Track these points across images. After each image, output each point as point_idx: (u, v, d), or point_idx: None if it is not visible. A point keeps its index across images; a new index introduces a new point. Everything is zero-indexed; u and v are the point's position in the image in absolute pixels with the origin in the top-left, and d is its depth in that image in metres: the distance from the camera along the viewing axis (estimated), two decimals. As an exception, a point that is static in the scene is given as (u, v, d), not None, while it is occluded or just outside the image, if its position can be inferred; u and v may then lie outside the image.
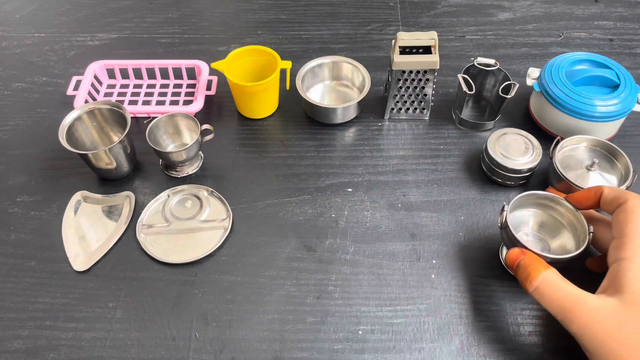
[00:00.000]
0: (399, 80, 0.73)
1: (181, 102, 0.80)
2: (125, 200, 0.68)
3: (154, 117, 0.70)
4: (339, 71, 0.80)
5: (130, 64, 0.82)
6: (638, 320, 0.45)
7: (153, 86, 0.83)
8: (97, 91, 0.81)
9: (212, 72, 0.83)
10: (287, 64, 0.74)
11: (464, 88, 0.71)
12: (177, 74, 0.83)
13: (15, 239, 0.65)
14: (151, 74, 0.83)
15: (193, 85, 0.83)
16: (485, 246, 0.64)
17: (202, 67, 0.81)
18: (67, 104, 0.79)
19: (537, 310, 0.58)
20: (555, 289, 0.49)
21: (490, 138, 0.69)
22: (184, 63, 0.82)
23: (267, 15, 0.97)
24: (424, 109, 0.77)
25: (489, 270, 0.62)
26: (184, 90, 0.82)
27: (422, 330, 0.57)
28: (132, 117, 0.71)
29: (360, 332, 0.57)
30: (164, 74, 0.83)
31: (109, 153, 0.66)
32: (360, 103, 0.74)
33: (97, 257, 0.63)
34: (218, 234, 0.65)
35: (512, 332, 0.57)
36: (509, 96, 0.71)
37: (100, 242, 0.64)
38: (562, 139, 0.66)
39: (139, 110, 0.77)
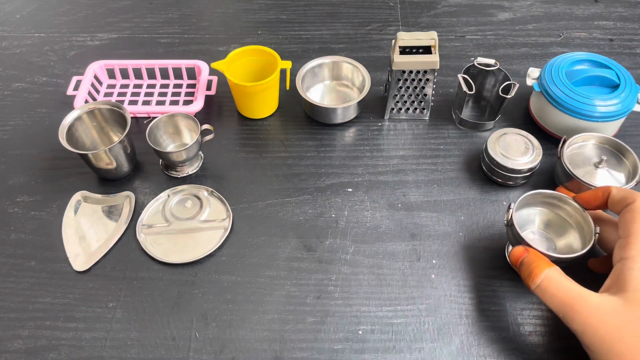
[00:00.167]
0: (399, 80, 0.73)
1: (181, 102, 0.80)
2: (125, 200, 0.68)
3: (154, 117, 0.70)
4: (339, 71, 0.80)
5: (130, 64, 0.82)
6: None
7: (153, 86, 0.83)
8: (97, 91, 0.81)
9: (212, 72, 0.83)
10: (287, 64, 0.74)
11: (464, 88, 0.71)
12: (177, 74, 0.83)
13: (15, 239, 0.65)
14: (151, 74, 0.83)
15: (193, 85, 0.83)
16: (486, 246, 0.64)
17: (202, 67, 0.81)
18: (67, 104, 0.79)
19: (537, 310, 0.58)
20: (558, 287, 0.49)
21: (490, 138, 0.69)
22: (184, 63, 0.82)
23: (267, 15, 0.97)
24: (424, 109, 0.77)
25: (489, 270, 0.62)
26: (184, 90, 0.82)
27: (422, 330, 0.57)
28: (132, 117, 0.71)
29: (360, 332, 0.57)
30: (164, 74, 0.83)
31: (109, 153, 0.66)
32: (360, 103, 0.74)
33: (97, 257, 0.63)
34: (218, 234, 0.65)
35: (513, 332, 0.57)
36: (509, 96, 0.71)
37: (100, 242, 0.64)
38: (567, 139, 0.66)
39: (139, 110, 0.77)
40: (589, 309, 0.47)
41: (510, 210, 0.56)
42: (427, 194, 0.69)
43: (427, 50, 0.72)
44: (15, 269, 0.63)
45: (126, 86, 0.83)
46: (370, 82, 0.75)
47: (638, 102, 0.69)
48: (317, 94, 0.80)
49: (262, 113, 0.78)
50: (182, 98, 0.81)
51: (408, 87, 0.74)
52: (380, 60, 0.86)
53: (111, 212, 0.68)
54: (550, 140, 0.73)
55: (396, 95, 0.75)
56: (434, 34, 0.71)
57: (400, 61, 0.70)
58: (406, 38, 0.71)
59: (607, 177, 0.64)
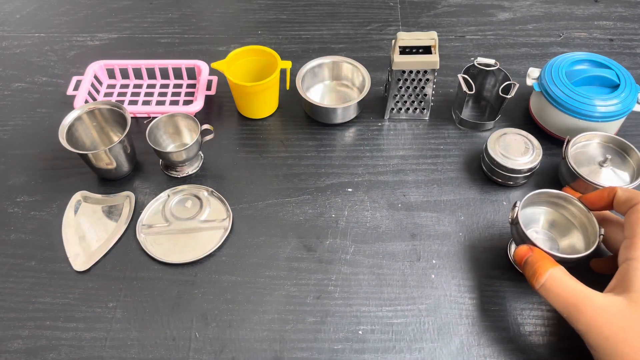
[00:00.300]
0: (399, 80, 0.73)
1: (181, 102, 0.80)
2: (125, 200, 0.68)
3: (154, 117, 0.70)
4: (339, 71, 0.80)
5: (130, 64, 0.82)
6: None
7: (153, 86, 0.83)
8: (97, 91, 0.81)
9: (212, 72, 0.83)
10: (287, 64, 0.74)
11: (464, 88, 0.71)
12: (177, 74, 0.83)
13: (15, 239, 0.65)
14: (151, 74, 0.83)
15: (193, 85, 0.83)
16: (486, 246, 0.64)
17: (202, 67, 0.81)
18: (67, 104, 0.79)
19: (538, 310, 0.58)
20: (562, 286, 0.49)
21: (490, 138, 0.69)
22: (184, 63, 0.82)
23: (267, 15, 0.97)
24: (424, 109, 0.77)
25: (489, 270, 0.62)
26: (184, 90, 0.82)
27: (422, 330, 0.57)
28: (132, 117, 0.71)
29: (360, 332, 0.57)
30: (164, 74, 0.83)
31: (109, 153, 0.66)
32: (360, 103, 0.74)
33: (97, 257, 0.63)
34: (218, 234, 0.65)
35: (513, 333, 0.57)
36: (509, 96, 0.71)
37: (100, 242, 0.64)
38: (571, 139, 0.66)
39: (139, 110, 0.77)
40: (593, 308, 0.47)
41: (516, 208, 0.56)
42: (427, 194, 0.69)
43: (427, 50, 0.72)
44: (15, 269, 0.63)
45: (126, 86, 0.83)
46: (370, 82, 0.75)
47: (638, 102, 0.69)
48: (317, 94, 0.80)
49: (262, 113, 0.78)
50: (182, 98, 0.81)
51: (408, 87, 0.74)
52: (380, 60, 0.86)
53: (111, 212, 0.68)
54: (550, 140, 0.73)
55: (396, 95, 0.75)
56: (434, 34, 0.71)
57: (400, 61, 0.70)
58: (406, 38, 0.71)
59: (612, 176, 0.64)
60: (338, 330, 0.57)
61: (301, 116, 0.79)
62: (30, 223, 0.67)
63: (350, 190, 0.69)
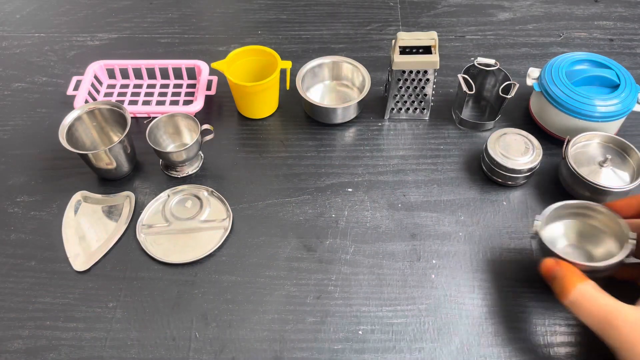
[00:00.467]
0: (399, 80, 0.73)
1: (181, 102, 0.80)
2: (125, 200, 0.68)
3: (154, 117, 0.70)
4: (339, 71, 0.80)
5: (130, 64, 0.82)
6: None
7: (153, 86, 0.83)
8: (97, 91, 0.81)
9: (212, 72, 0.83)
10: (287, 64, 0.74)
11: (464, 88, 0.71)
12: (177, 74, 0.83)
13: (15, 239, 0.65)
14: (151, 74, 0.83)
15: (193, 85, 0.83)
16: (486, 246, 0.64)
17: (202, 67, 0.81)
18: (67, 104, 0.79)
19: (538, 310, 0.58)
20: (592, 302, 0.48)
21: (490, 138, 0.69)
22: (184, 63, 0.82)
23: (267, 15, 0.97)
24: (424, 109, 0.77)
25: (490, 270, 0.62)
26: (184, 90, 0.82)
27: (422, 330, 0.57)
28: (132, 117, 0.71)
29: (360, 332, 0.57)
30: (164, 74, 0.83)
31: (109, 153, 0.66)
32: (360, 103, 0.74)
33: (97, 257, 0.63)
34: (218, 234, 0.65)
35: (513, 333, 0.57)
36: (509, 96, 0.71)
37: (100, 242, 0.64)
38: (571, 139, 0.66)
39: (139, 110, 0.77)
40: (625, 324, 0.45)
41: (536, 222, 0.55)
42: (427, 194, 0.69)
43: (427, 50, 0.72)
44: (15, 269, 0.63)
45: (126, 86, 0.83)
46: (370, 82, 0.75)
47: (638, 102, 0.69)
48: (317, 94, 0.80)
49: (262, 113, 0.78)
50: (182, 98, 0.81)
51: (408, 87, 0.74)
52: (380, 60, 0.86)
53: (111, 212, 0.68)
54: (550, 140, 0.73)
55: (396, 95, 0.75)
56: (434, 34, 0.71)
57: (400, 61, 0.70)
58: (406, 38, 0.71)
59: (612, 176, 0.64)
60: (338, 330, 0.57)
61: (301, 116, 0.79)
62: (30, 223, 0.67)
63: (350, 190, 0.69)
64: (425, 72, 0.72)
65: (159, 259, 0.63)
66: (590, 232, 0.59)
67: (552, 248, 0.53)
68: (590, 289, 0.49)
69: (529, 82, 0.73)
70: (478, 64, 0.74)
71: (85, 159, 0.66)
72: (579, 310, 0.49)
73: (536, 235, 0.55)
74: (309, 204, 0.68)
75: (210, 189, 0.69)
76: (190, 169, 0.72)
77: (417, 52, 0.73)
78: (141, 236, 0.65)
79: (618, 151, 0.67)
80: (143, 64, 0.82)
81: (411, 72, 0.72)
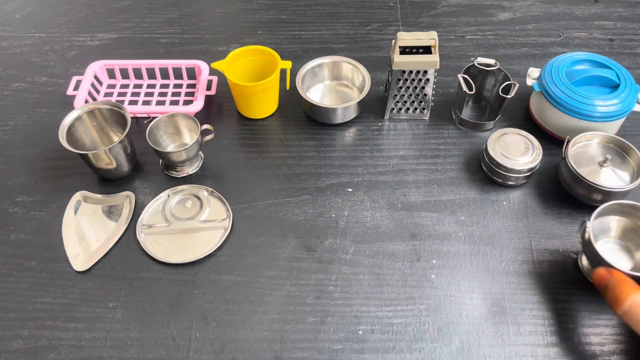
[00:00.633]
0: (399, 80, 0.73)
1: (181, 102, 0.80)
2: (125, 200, 0.68)
3: (154, 117, 0.70)
4: (339, 71, 0.80)
5: (130, 64, 0.82)
6: None
7: (153, 86, 0.83)
8: (97, 91, 0.81)
9: (212, 72, 0.83)
10: (287, 64, 0.74)
11: (464, 88, 0.71)
12: (177, 74, 0.83)
13: (15, 239, 0.65)
14: (151, 74, 0.83)
15: (193, 85, 0.83)
16: (487, 246, 0.64)
17: (202, 67, 0.81)
18: (67, 104, 0.79)
19: (537, 310, 0.58)
20: None
21: (490, 138, 0.69)
22: (184, 63, 0.82)
23: (267, 15, 0.97)
24: (424, 109, 0.77)
25: (489, 270, 0.62)
26: (184, 90, 0.82)
27: (422, 330, 0.57)
28: (132, 117, 0.71)
29: (360, 332, 0.57)
30: (164, 74, 0.83)
31: (109, 153, 0.66)
32: (360, 103, 0.74)
33: (97, 257, 0.63)
34: (218, 234, 0.65)
35: (513, 333, 0.57)
36: (509, 96, 0.71)
37: (100, 242, 0.64)
38: (571, 139, 0.66)
39: (139, 110, 0.77)
40: None
41: (587, 228, 0.55)
42: (427, 194, 0.69)
43: (427, 50, 0.72)
44: (15, 269, 0.63)
45: (126, 86, 0.83)
46: (370, 82, 0.75)
47: (638, 102, 0.69)
48: (317, 94, 0.80)
49: (262, 113, 0.78)
50: (182, 98, 0.81)
51: (408, 87, 0.74)
52: (380, 60, 0.86)
53: (111, 212, 0.68)
54: (550, 140, 0.73)
55: (396, 95, 0.75)
56: (434, 34, 0.71)
57: (400, 61, 0.70)
58: (406, 38, 0.71)
59: (612, 176, 0.64)
60: (338, 330, 0.57)
61: (301, 116, 0.79)
62: (30, 223, 0.67)
63: (350, 190, 0.69)
64: (425, 72, 0.72)
65: (159, 259, 0.63)
66: (637, 232, 0.59)
67: (604, 256, 0.53)
68: None
69: (529, 82, 0.73)
70: (478, 64, 0.74)
71: (85, 159, 0.66)
72: (632, 320, 0.48)
73: (588, 242, 0.54)
74: (309, 204, 0.68)
75: (210, 189, 0.69)
76: (190, 169, 0.72)
77: (417, 52, 0.73)
78: (141, 236, 0.65)
79: (618, 151, 0.67)
80: (143, 64, 0.82)
81: (411, 72, 0.72)
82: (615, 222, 0.60)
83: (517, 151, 0.67)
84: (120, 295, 0.60)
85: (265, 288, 0.61)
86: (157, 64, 0.82)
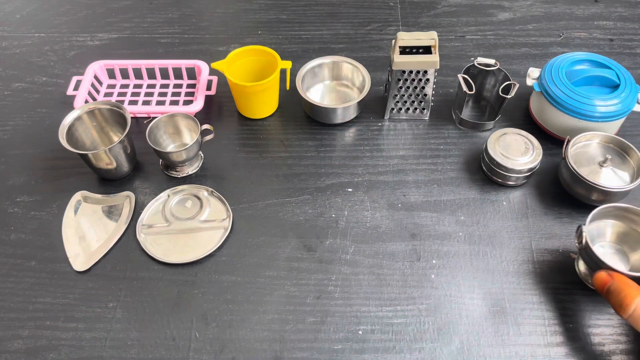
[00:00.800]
0: (399, 80, 0.73)
1: (181, 102, 0.80)
2: (125, 200, 0.68)
3: (154, 117, 0.70)
4: (339, 71, 0.80)
5: (130, 64, 0.82)
6: None
7: (153, 86, 0.83)
8: (97, 91, 0.81)
9: (212, 72, 0.83)
10: (287, 64, 0.74)
11: (464, 88, 0.71)
12: (177, 74, 0.83)
13: (15, 239, 0.65)
14: (151, 74, 0.83)
15: (193, 85, 0.83)
16: (487, 245, 0.64)
17: (202, 67, 0.81)
18: (67, 104, 0.79)
19: (537, 310, 0.58)
20: None
21: (490, 138, 0.69)
22: (184, 63, 0.82)
23: (267, 15, 0.97)
24: (424, 109, 0.77)
25: (489, 269, 0.62)
26: (184, 90, 0.82)
27: (422, 330, 0.57)
28: (132, 117, 0.71)
29: (360, 332, 0.57)
30: (164, 74, 0.83)
31: (109, 153, 0.66)
32: (360, 103, 0.74)
33: (97, 257, 0.63)
34: (218, 234, 0.65)
35: (513, 333, 0.57)
36: (509, 96, 0.71)
37: (100, 242, 0.64)
38: (571, 139, 0.66)
39: (139, 110, 0.77)
40: None
41: (583, 232, 0.54)
42: (427, 194, 0.69)
43: (427, 50, 0.72)
44: (15, 269, 0.63)
45: (126, 86, 0.83)
46: (370, 82, 0.75)
47: (638, 102, 0.69)
48: (317, 94, 0.80)
49: (262, 113, 0.78)
50: (182, 98, 0.81)
51: (408, 87, 0.74)
52: (380, 60, 0.86)
53: (111, 212, 0.68)
54: (550, 140, 0.73)
55: (396, 95, 0.75)
56: (434, 34, 0.71)
57: (400, 61, 0.70)
58: (406, 38, 0.71)
59: (612, 176, 0.64)
60: (338, 330, 0.57)
61: (301, 116, 0.79)
62: (30, 223, 0.67)
63: (350, 190, 0.69)
64: (425, 72, 0.72)
65: (159, 259, 0.63)
66: (632, 235, 0.59)
67: (604, 259, 0.52)
68: None
69: (529, 82, 0.73)
70: (478, 64, 0.74)
71: (85, 159, 0.66)
72: (638, 324, 0.48)
73: (585, 246, 0.54)
74: (309, 204, 0.68)
75: (210, 189, 0.69)
76: (190, 169, 0.72)
77: (417, 52, 0.73)
78: (141, 236, 0.65)
79: (618, 151, 0.67)
80: (143, 64, 0.82)
81: (411, 72, 0.72)
82: (610, 226, 0.60)
83: (517, 151, 0.67)
84: (120, 295, 0.60)
85: (265, 288, 0.61)
86: (157, 64, 0.82)
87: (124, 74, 0.84)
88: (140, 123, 0.77)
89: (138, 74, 0.83)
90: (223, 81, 0.81)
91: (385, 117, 0.78)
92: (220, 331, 0.57)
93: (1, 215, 0.68)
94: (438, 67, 0.71)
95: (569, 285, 0.60)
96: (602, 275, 0.52)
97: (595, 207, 0.58)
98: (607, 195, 0.63)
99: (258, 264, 0.63)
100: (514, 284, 0.61)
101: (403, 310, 0.59)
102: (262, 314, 0.59)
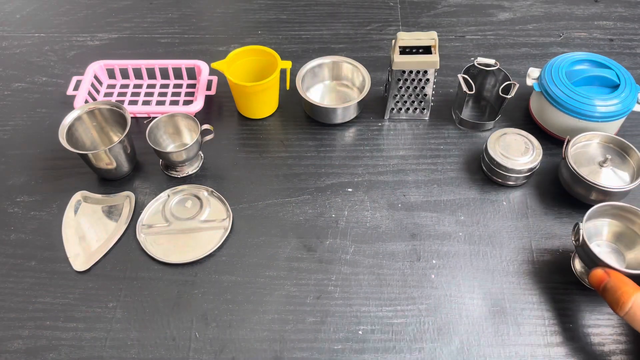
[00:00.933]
0: (399, 80, 0.73)
1: (181, 102, 0.80)
2: (125, 200, 0.68)
3: (154, 117, 0.70)
4: (339, 71, 0.80)
5: (130, 64, 0.82)
6: None
7: (153, 86, 0.83)
8: (97, 91, 0.81)
9: (212, 72, 0.83)
10: (287, 64, 0.74)
11: (464, 88, 0.71)
12: (177, 74, 0.83)
13: (15, 239, 0.65)
14: (151, 74, 0.83)
15: (193, 85, 0.83)
16: (487, 245, 0.64)
17: (202, 67, 0.81)
18: (67, 104, 0.79)
19: (537, 310, 0.58)
20: None
21: (490, 138, 0.69)
22: (184, 63, 0.82)
23: (267, 15, 0.97)
24: (424, 109, 0.77)
25: (489, 269, 0.62)
26: (184, 90, 0.82)
27: (422, 330, 0.57)
28: (132, 117, 0.71)
29: (360, 332, 0.57)
30: (164, 74, 0.83)
31: (109, 153, 0.66)
32: (360, 103, 0.74)
33: (97, 257, 0.63)
34: (218, 234, 0.65)
35: (513, 333, 0.57)
36: (509, 96, 0.71)
37: (100, 242, 0.64)
38: (571, 139, 0.66)
39: (139, 110, 0.77)
40: None
41: (580, 229, 0.55)
42: (427, 194, 0.69)
43: (427, 50, 0.72)
44: (15, 269, 0.63)
45: (126, 86, 0.83)
46: (370, 82, 0.75)
47: (638, 102, 0.69)
48: (317, 94, 0.80)
49: (262, 113, 0.78)
50: (182, 98, 0.81)
51: (408, 87, 0.74)
52: (380, 60, 0.86)
53: (111, 212, 0.68)
54: (550, 140, 0.73)
55: (396, 95, 0.75)
56: (434, 34, 0.71)
57: (400, 61, 0.70)
58: (406, 38, 0.71)
59: (612, 176, 0.64)
60: (338, 330, 0.57)
61: (301, 116, 0.79)
62: (30, 223, 0.67)
63: (350, 190, 0.69)
64: (425, 72, 0.72)
65: (159, 259, 0.63)
66: (628, 234, 0.59)
67: (601, 257, 0.52)
68: None
69: (529, 82, 0.73)
70: (478, 64, 0.74)
71: (85, 159, 0.66)
72: (634, 321, 0.48)
73: (582, 243, 0.54)
74: (309, 204, 0.68)
75: (210, 189, 0.69)
76: (190, 169, 0.72)
77: (417, 52, 0.73)
78: (141, 236, 0.65)
79: (618, 151, 0.67)
80: (143, 64, 0.82)
81: (411, 72, 0.72)
82: (606, 225, 0.60)
83: (517, 151, 0.67)
84: (120, 295, 0.60)
85: (265, 288, 0.61)
86: (157, 64, 0.82)
87: (124, 74, 0.84)
88: (140, 123, 0.77)
89: (138, 74, 0.83)
90: (223, 81, 0.81)
91: (385, 117, 0.78)
92: (220, 331, 0.57)
93: (1, 215, 0.68)
94: (438, 67, 0.71)
95: (569, 285, 0.60)
96: (598, 272, 0.52)
97: None
98: (607, 195, 0.63)
99: (258, 264, 0.63)
100: (514, 284, 0.61)
101: (403, 310, 0.59)
102: (262, 314, 0.59)
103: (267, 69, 0.76)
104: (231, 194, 0.69)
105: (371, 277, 0.61)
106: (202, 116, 0.78)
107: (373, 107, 0.79)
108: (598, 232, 0.60)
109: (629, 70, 0.72)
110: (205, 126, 0.70)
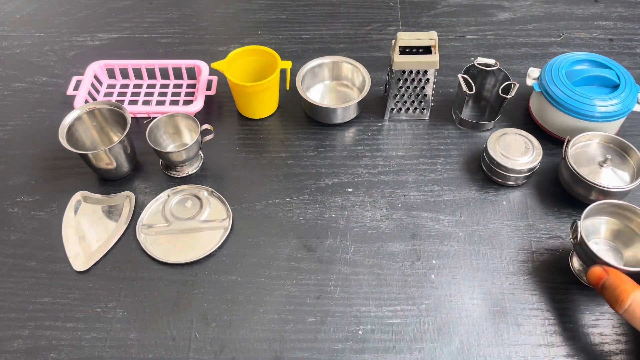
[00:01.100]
0: (399, 80, 0.73)
1: (181, 102, 0.80)
2: (125, 200, 0.68)
3: (154, 117, 0.70)
4: (339, 71, 0.80)
5: (130, 64, 0.82)
6: None
7: (153, 86, 0.83)
8: (97, 91, 0.81)
9: (212, 72, 0.83)
10: (287, 64, 0.74)
11: (464, 88, 0.71)
12: (177, 74, 0.83)
13: (15, 239, 0.65)
14: (151, 74, 0.83)
15: (193, 85, 0.83)
16: (486, 245, 0.64)
17: (202, 67, 0.81)
18: (67, 104, 0.79)
19: (537, 310, 0.58)
20: None
21: (490, 138, 0.69)
22: (184, 63, 0.82)
23: (267, 15, 0.97)
24: (424, 109, 0.77)
25: (489, 269, 0.62)
26: (184, 90, 0.82)
27: (422, 330, 0.57)
28: (132, 117, 0.71)
29: (360, 332, 0.57)
30: (164, 74, 0.83)
31: (109, 153, 0.66)
32: (360, 103, 0.74)
33: (97, 257, 0.63)
34: (218, 234, 0.65)
35: (513, 333, 0.57)
36: (509, 96, 0.71)
37: (100, 242, 0.64)
38: (571, 139, 0.66)
39: (139, 110, 0.77)
40: None
41: (578, 227, 0.55)
42: (427, 194, 0.69)
43: (427, 50, 0.72)
44: (15, 269, 0.63)
45: (126, 86, 0.83)
46: (370, 82, 0.75)
47: (638, 102, 0.69)
48: (317, 94, 0.80)
49: (262, 113, 0.78)
50: (182, 98, 0.81)
51: (408, 87, 0.74)
52: (380, 60, 0.86)
53: (111, 212, 0.68)
54: (550, 140, 0.73)
55: (396, 95, 0.75)
56: (434, 34, 0.71)
57: (400, 61, 0.70)
58: (406, 38, 0.71)
59: (612, 176, 0.64)
60: (338, 330, 0.57)
61: (301, 116, 0.79)
62: (30, 223, 0.67)
63: (350, 190, 0.69)
64: (425, 72, 0.72)
65: (159, 259, 0.63)
66: (625, 232, 0.59)
67: (599, 254, 0.52)
68: None
69: (529, 82, 0.73)
70: (478, 64, 0.74)
71: (85, 159, 0.66)
72: (633, 319, 0.48)
73: (580, 241, 0.54)
74: (309, 204, 0.68)
75: (210, 189, 0.69)
76: (190, 169, 0.72)
77: (417, 52, 0.73)
78: (141, 236, 0.65)
79: (618, 151, 0.67)
80: (143, 64, 0.82)
81: (411, 72, 0.72)
82: (604, 223, 0.60)
83: (517, 151, 0.67)
84: (120, 295, 0.60)
85: (265, 288, 0.61)
86: (157, 64, 0.82)
87: (124, 74, 0.84)
88: (140, 123, 0.77)
89: (138, 74, 0.83)
90: (223, 81, 0.81)
91: (385, 117, 0.78)
92: (220, 331, 0.58)
93: (1, 215, 0.68)
94: (438, 67, 0.71)
95: (569, 285, 0.60)
96: (597, 270, 0.51)
97: None
98: (607, 196, 0.63)
99: (258, 264, 0.63)
100: (514, 284, 0.61)
101: (403, 310, 0.59)
102: (262, 314, 0.59)
103: (267, 69, 0.76)
104: (231, 194, 0.69)
105: (371, 277, 0.61)
106: (202, 116, 0.78)
107: (373, 107, 0.79)
108: (596, 230, 0.60)
109: (629, 70, 0.72)
110: (205, 126, 0.70)
